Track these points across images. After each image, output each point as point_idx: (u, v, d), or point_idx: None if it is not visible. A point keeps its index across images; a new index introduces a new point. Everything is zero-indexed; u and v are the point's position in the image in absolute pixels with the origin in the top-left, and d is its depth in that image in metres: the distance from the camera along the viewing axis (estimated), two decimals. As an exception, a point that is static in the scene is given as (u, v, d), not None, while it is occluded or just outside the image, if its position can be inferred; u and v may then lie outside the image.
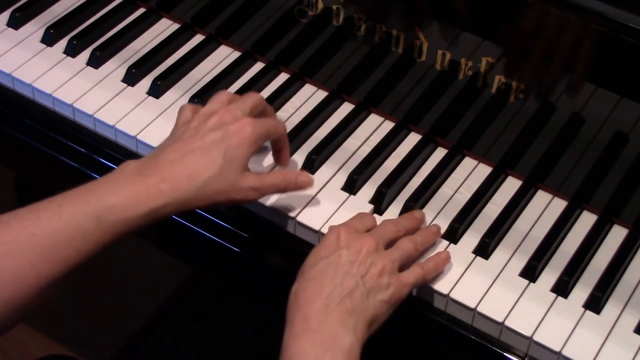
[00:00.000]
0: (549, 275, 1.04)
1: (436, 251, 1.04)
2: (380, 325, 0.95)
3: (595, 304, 1.01)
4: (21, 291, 0.89)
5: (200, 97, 1.19)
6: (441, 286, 1.01)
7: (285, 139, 1.08)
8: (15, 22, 1.28)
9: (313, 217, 1.07)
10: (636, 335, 0.99)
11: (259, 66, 1.26)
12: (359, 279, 0.93)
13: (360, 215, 1.03)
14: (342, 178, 1.12)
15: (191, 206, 0.96)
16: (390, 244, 1.00)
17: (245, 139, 0.98)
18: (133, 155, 1.16)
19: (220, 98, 1.03)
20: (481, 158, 1.15)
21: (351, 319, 0.91)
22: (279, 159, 1.09)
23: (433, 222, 1.08)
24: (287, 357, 0.88)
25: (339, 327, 0.90)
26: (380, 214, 1.09)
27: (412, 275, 0.98)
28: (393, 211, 1.09)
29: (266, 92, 1.22)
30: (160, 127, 1.16)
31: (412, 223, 1.05)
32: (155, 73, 1.23)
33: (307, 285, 0.93)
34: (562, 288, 1.02)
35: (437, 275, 1.02)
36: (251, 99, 1.03)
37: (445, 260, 1.02)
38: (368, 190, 1.11)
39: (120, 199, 0.92)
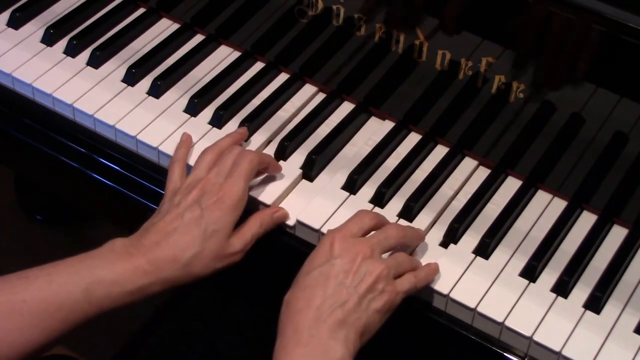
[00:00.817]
0: (549, 275, 1.04)
1: (432, 254, 1.04)
2: (373, 335, 0.94)
3: (595, 304, 1.01)
4: (6, 353, 0.91)
5: (201, 97, 1.19)
6: (441, 286, 1.01)
7: (265, 162, 1.07)
8: (15, 22, 1.28)
9: (313, 217, 1.07)
10: (636, 335, 0.99)
11: (259, 66, 1.26)
12: (351, 290, 0.93)
13: (358, 216, 1.01)
14: (342, 178, 1.12)
15: (178, 284, 0.99)
16: (387, 251, 0.99)
17: (225, 209, 1.00)
18: (133, 156, 1.16)
19: (204, 162, 1.05)
20: (481, 158, 1.15)
21: (342, 330, 0.90)
22: (269, 172, 1.10)
23: (433, 222, 1.08)
24: None
25: (329, 339, 0.89)
26: (380, 214, 1.09)
27: (405, 282, 0.97)
28: (393, 211, 1.09)
29: (266, 92, 1.22)
30: (160, 127, 1.16)
31: (416, 237, 1.04)
32: (155, 73, 1.23)
33: (299, 295, 0.93)
34: (562, 288, 1.02)
35: (437, 275, 1.02)
36: (231, 155, 1.04)
37: (434, 272, 1.01)
38: (368, 190, 1.11)
39: (109, 274, 0.95)
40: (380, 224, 1.02)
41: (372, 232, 1.00)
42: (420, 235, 1.04)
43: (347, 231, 0.98)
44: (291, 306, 0.92)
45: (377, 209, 1.09)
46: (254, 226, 1.03)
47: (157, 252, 0.97)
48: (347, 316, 0.91)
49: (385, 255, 0.99)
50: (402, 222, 1.08)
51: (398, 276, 0.98)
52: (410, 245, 1.03)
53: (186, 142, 1.11)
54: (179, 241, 0.98)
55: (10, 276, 0.95)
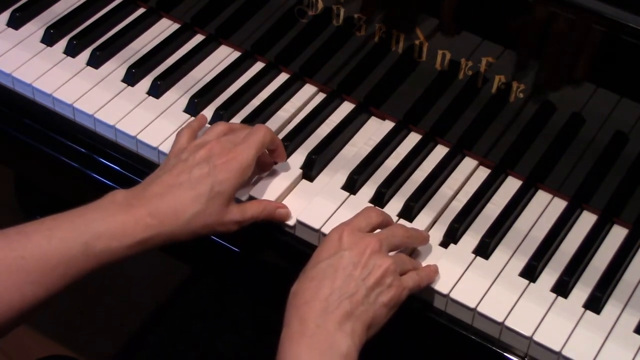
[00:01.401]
0: (549, 275, 1.04)
1: (432, 254, 1.05)
2: (379, 329, 0.94)
3: (595, 304, 1.01)
4: (3, 311, 0.90)
5: (201, 97, 1.19)
6: (441, 286, 1.02)
7: (276, 142, 1.08)
8: (15, 22, 1.28)
9: (313, 217, 1.07)
10: (636, 335, 0.99)
11: (259, 66, 1.26)
12: (359, 282, 0.92)
13: (366, 212, 1.01)
14: (342, 178, 1.12)
15: (177, 239, 0.98)
16: (393, 250, 0.99)
17: (232, 172, 0.99)
18: (133, 155, 1.16)
19: (216, 130, 1.05)
20: (481, 158, 1.15)
21: (349, 322, 0.90)
22: (274, 158, 1.10)
23: (433, 222, 1.08)
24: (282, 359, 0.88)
25: (336, 331, 0.89)
26: (380, 214, 1.09)
27: (410, 279, 0.97)
28: (393, 211, 1.09)
29: (266, 92, 1.22)
30: (160, 127, 1.16)
31: (421, 237, 1.04)
32: (155, 73, 1.23)
33: (307, 286, 0.92)
34: (562, 288, 1.02)
35: (437, 275, 1.02)
36: (244, 129, 1.05)
37: (435, 273, 1.01)
38: (368, 190, 1.11)
39: (109, 227, 0.94)
40: (385, 222, 1.02)
41: (378, 230, 1.00)
42: (424, 237, 1.04)
43: (355, 225, 0.98)
44: (298, 297, 0.92)
45: (377, 209, 1.09)
46: (256, 208, 1.03)
47: (159, 204, 0.96)
48: (355, 308, 0.91)
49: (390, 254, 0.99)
50: (402, 222, 1.08)
51: (402, 274, 0.98)
52: (414, 246, 1.04)
53: (200, 119, 1.10)
54: (184, 196, 0.97)
55: (8, 231, 0.94)
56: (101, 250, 0.93)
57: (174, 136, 1.14)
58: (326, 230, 1.06)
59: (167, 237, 0.97)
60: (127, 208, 0.95)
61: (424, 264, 1.03)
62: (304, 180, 1.13)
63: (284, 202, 1.09)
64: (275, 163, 1.11)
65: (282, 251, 1.09)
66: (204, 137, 1.04)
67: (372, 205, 1.04)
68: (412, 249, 1.05)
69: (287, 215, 1.07)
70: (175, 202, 0.97)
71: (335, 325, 0.89)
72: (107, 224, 0.94)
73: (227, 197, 0.99)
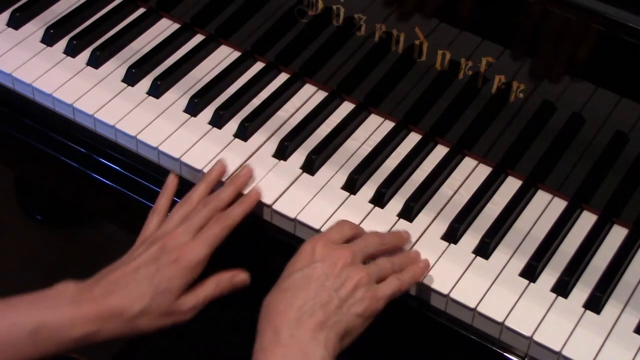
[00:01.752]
0: (549, 275, 1.04)
1: (436, 250, 1.05)
2: (354, 339, 0.94)
3: (595, 304, 1.01)
4: None
5: (201, 97, 1.19)
6: (441, 286, 1.01)
7: (233, 226, 1.04)
8: (15, 22, 1.28)
9: (313, 217, 1.07)
10: (636, 335, 0.99)
11: (259, 66, 1.26)
12: (332, 292, 0.93)
13: (339, 225, 1.02)
14: (342, 178, 1.12)
15: (123, 336, 0.98)
16: (369, 258, 0.99)
17: (182, 269, 0.99)
18: (133, 156, 1.16)
19: (177, 214, 1.04)
20: (481, 158, 1.15)
21: (322, 332, 0.90)
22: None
23: (433, 222, 1.08)
24: None
25: (309, 341, 0.89)
26: (380, 214, 1.09)
27: (388, 288, 0.97)
28: (393, 211, 1.09)
29: (266, 92, 1.22)
30: (160, 127, 1.16)
31: (398, 241, 1.04)
32: (155, 73, 1.23)
33: (280, 297, 0.93)
34: (562, 288, 1.02)
35: (437, 275, 1.02)
36: (205, 210, 1.03)
37: (423, 270, 1.01)
38: (368, 190, 1.11)
39: (57, 318, 0.95)
40: (359, 234, 1.02)
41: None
42: (402, 239, 1.04)
43: (329, 238, 0.99)
44: (271, 308, 0.92)
45: (377, 209, 1.09)
46: (209, 288, 1.02)
47: (106, 303, 0.97)
48: (328, 318, 0.91)
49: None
50: (402, 222, 1.08)
51: (381, 279, 0.98)
52: (393, 250, 1.03)
53: (168, 190, 1.10)
54: (129, 294, 0.97)
55: None
56: (47, 339, 0.95)
57: (174, 136, 1.15)
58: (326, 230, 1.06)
59: (111, 334, 0.98)
60: (76, 304, 0.97)
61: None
62: (304, 178, 1.12)
63: (284, 201, 1.09)
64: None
65: (281, 251, 1.09)
66: (164, 225, 1.04)
67: (345, 219, 1.04)
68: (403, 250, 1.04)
69: (245, 280, 1.04)
70: (121, 300, 0.97)
71: (309, 335, 0.90)
72: (55, 315, 0.95)
73: (174, 293, 0.99)
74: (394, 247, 1.03)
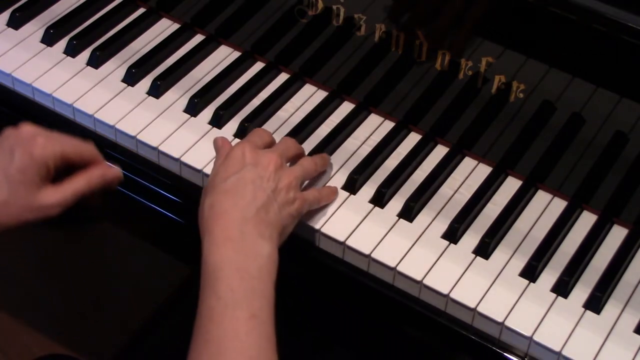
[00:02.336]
0: (549, 275, 1.04)
1: (436, 250, 1.05)
2: (286, 237, 1.00)
3: (595, 304, 1.01)
4: None
5: (201, 97, 1.19)
6: (441, 286, 1.02)
7: (89, 158, 1.05)
8: (15, 22, 1.28)
9: (313, 217, 1.07)
10: (636, 335, 0.99)
11: (259, 66, 1.26)
12: (270, 193, 0.98)
13: (257, 132, 1.08)
14: (342, 178, 1.12)
15: None
16: (290, 160, 1.06)
17: (35, 160, 0.99)
18: (133, 155, 1.16)
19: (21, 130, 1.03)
20: (481, 158, 1.15)
21: (267, 229, 0.96)
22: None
23: (433, 222, 1.08)
24: (210, 266, 0.92)
25: (257, 236, 0.94)
26: (380, 214, 1.09)
27: (310, 194, 1.04)
28: (393, 211, 1.09)
29: (266, 92, 1.22)
30: (160, 127, 1.16)
31: (323, 157, 1.11)
32: (155, 73, 1.23)
33: (222, 198, 0.96)
34: (562, 288, 1.02)
35: (437, 275, 1.02)
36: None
37: (334, 193, 1.09)
38: (368, 190, 1.11)
39: None
40: (274, 140, 1.08)
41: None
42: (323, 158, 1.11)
43: (253, 143, 1.04)
44: (216, 208, 0.96)
45: (377, 209, 1.09)
46: (79, 182, 1.02)
47: None
48: (271, 217, 0.97)
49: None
50: (402, 222, 1.08)
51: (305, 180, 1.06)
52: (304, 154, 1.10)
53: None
54: None
55: None
56: None
57: (174, 136, 1.15)
58: (326, 230, 1.06)
59: None
60: None
61: (423, 261, 1.03)
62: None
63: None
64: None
65: (280, 250, 1.09)
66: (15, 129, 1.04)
67: (259, 128, 1.10)
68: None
69: (119, 177, 1.06)
70: None
71: (256, 232, 0.95)
72: None
73: (32, 185, 0.99)
74: (301, 151, 1.10)
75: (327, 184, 1.11)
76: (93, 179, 1.04)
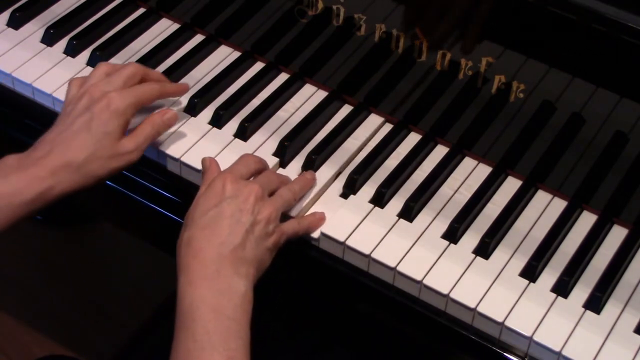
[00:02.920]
0: (549, 275, 1.04)
1: (436, 250, 1.05)
2: (264, 271, 0.99)
3: (595, 304, 1.01)
4: None
5: (200, 97, 1.19)
6: (441, 286, 1.01)
7: (167, 94, 1.14)
8: (15, 22, 1.28)
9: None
10: (636, 335, 0.99)
11: (259, 66, 1.26)
12: (248, 227, 0.97)
13: (244, 159, 1.07)
14: (342, 178, 1.12)
15: (79, 186, 1.03)
16: (271, 193, 1.04)
17: (113, 112, 1.05)
18: (133, 155, 1.16)
19: (96, 72, 1.10)
20: (481, 158, 1.15)
21: (243, 266, 0.95)
22: (166, 92, 1.15)
23: (433, 222, 1.08)
24: (186, 305, 0.92)
25: (233, 274, 0.94)
26: (380, 214, 1.09)
27: (290, 226, 1.03)
28: (393, 211, 1.09)
29: (266, 92, 1.22)
30: (160, 127, 1.16)
31: (301, 182, 1.09)
32: (155, 73, 1.23)
33: (199, 234, 0.96)
34: (562, 288, 1.02)
35: (437, 275, 1.02)
36: (125, 71, 1.10)
37: (320, 221, 1.07)
38: (368, 190, 1.11)
39: (7, 187, 0.99)
40: (263, 167, 1.08)
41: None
42: (306, 179, 1.09)
43: (237, 173, 1.03)
44: (193, 244, 0.96)
45: (377, 209, 1.09)
46: (146, 128, 1.08)
47: (49, 160, 1.01)
48: (246, 254, 0.96)
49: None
50: (402, 222, 1.08)
51: (285, 212, 1.05)
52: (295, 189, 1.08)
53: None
54: (70, 146, 1.02)
55: None
56: (3, 207, 0.98)
57: (173, 136, 1.15)
58: (326, 230, 1.06)
59: (66, 186, 1.02)
60: (20, 169, 1.01)
61: (423, 261, 1.03)
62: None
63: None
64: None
65: (280, 250, 1.09)
66: (87, 81, 1.09)
67: (249, 153, 1.09)
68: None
69: (174, 117, 1.11)
70: (63, 155, 1.02)
71: (232, 269, 0.94)
72: (5, 184, 0.99)
73: (114, 135, 1.04)
74: (288, 180, 1.09)
75: (326, 185, 1.11)
76: (156, 123, 1.09)
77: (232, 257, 0.95)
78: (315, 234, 1.06)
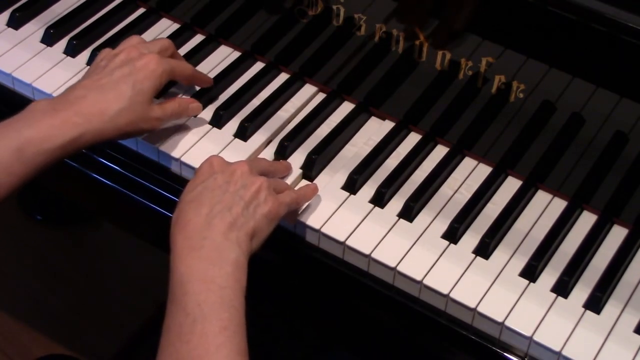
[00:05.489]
0: (549, 275, 1.04)
1: (436, 250, 1.05)
2: (262, 241, 0.98)
3: (595, 304, 1.01)
4: None
5: (200, 97, 1.19)
6: (441, 286, 1.02)
7: (195, 79, 1.16)
8: (15, 22, 1.28)
9: (313, 217, 1.07)
10: (636, 335, 0.99)
11: (259, 66, 1.26)
12: (236, 196, 0.96)
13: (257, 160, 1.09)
14: (342, 178, 1.12)
15: (105, 136, 1.02)
16: (260, 173, 1.04)
17: (151, 72, 1.05)
18: (132, 154, 1.16)
19: (130, 41, 1.11)
20: (481, 158, 1.15)
21: (233, 232, 0.93)
22: (191, 80, 1.16)
23: (433, 222, 1.08)
24: (177, 278, 0.91)
25: (222, 241, 0.92)
26: (380, 214, 1.09)
27: (287, 196, 1.02)
28: (393, 211, 1.09)
29: (266, 92, 1.22)
30: (160, 128, 1.16)
31: (282, 168, 1.10)
32: (155, 73, 1.23)
33: (187, 208, 0.96)
34: (562, 288, 1.02)
35: (437, 275, 1.02)
36: (160, 42, 1.12)
37: (313, 192, 1.07)
38: (368, 190, 1.11)
39: (38, 132, 0.98)
40: (270, 168, 1.09)
41: None
42: (285, 167, 1.11)
43: (222, 157, 1.03)
44: (180, 220, 0.95)
45: (377, 209, 1.09)
46: (174, 104, 1.10)
47: (84, 104, 1.01)
48: (236, 219, 0.95)
49: None
50: (402, 222, 1.08)
51: (278, 192, 1.02)
52: (279, 174, 1.09)
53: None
54: (108, 95, 1.02)
55: None
56: (34, 153, 0.97)
57: (174, 136, 1.15)
58: (326, 230, 1.06)
59: (95, 134, 1.01)
60: (52, 112, 1.00)
61: (423, 261, 1.03)
62: (304, 181, 1.13)
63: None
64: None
65: (281, 249, 1.09)
66: (120, 46, 1.10)
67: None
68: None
69: (198, 109, 1.15)
70: (99, 101, 1.02)
71: (220, 236, 0.92)
72: (36, 129, 0.98)
73: (148, 95, 1.05)
74: (280, 171, 1.10)
75: (327, 185, 1.11)
76: (183, 105, 1.12)
77: (220, 224, 0.93)
78: (315, 234, 1.06)
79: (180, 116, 1.12)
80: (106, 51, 1.10)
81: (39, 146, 0.97)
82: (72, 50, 1.25)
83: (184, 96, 1.18)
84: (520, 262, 1.05)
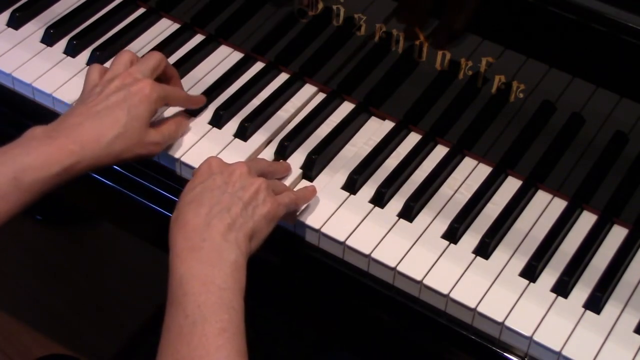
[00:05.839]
0: (549, 275, 1.04)
1: (436, 250, 1.05)
2: (261, 242, 0.98)
3: (595, 304, 1.01)
4: None
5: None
6: (441, 286, 1.02)
7: (188, 103, 1.15)
8: (15, 22, 1.28)
9: (313, 217, 1.07)
10: (636, 335, 0.99)
11: (259, 66, 1.26)
12: (235, 197, 0.97)
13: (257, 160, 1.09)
14: (342, 178, 1.12)
15: (102, 163, 1.02)
16: (259, 174, 1.04)
17: (146, 97, 1.05)
18: (133, 155, 1.16)
19: (122, 59, 1.10)
20: (481, 158, 1.15)
21: (232, 233, 0.94)
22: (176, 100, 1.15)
23: (433, 222, 1.08)
24: (176, 279, 0.91)
25: (221, 242, 0.92)
26: (380, 214, 1.09)
27: (285, 197, 1.02)
28: (393, 211, 1.09)
29: (266, 92, 1.22)
30: (160, 127, 1.16)
31: (282, 169, 1.10)
32: (155, 73, 1.23)
33: (186, 209, 0.96)
34: (562, 288, 1.02)
35: (437, 275, 1.02)
36: (152, 60, 1.10)
37: (312, 193, 1.07)
38: (368, 190, 1.11)
39: (35, 159, 0.98)
40: (269, 168, 1.09)
41: None
42: (285, 168, 1.11)
43: (220, 158, 1.03)
44: (179, 220, 0.95)
45: (377, 209, 1.09)
46: (172, 125, 1.11)
47: (80, 132, 1.01)
48: (235, 220, 0.95)
49: None
50: (402, 222, 1.08)
51: (277, 194, 1.02)
52: (279, 175, 1.10)
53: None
54: (103, 121, 1.02)
55: None
56: (30, 181, 0.97)
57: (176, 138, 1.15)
58: (326, 230, 1.06)
59: (91, 161, 1.01)
60: (48, 140, 1.00)
61: (423, 261, 1.03)
62: (304, 181, 1.13)
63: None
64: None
65: (281, 250, 1.09)
66: (113, 70, 1.09)
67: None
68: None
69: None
70: (95, 128, 1.02)
71: (219, 237, 0.93)
72: (32, 157, 0.98)
73: (144, 120, 1.05)
74: (280, 172, 1.10)
75: (327, 185, 1.11)
76: (182, 124, 1.13)
77: (219, 225, 0.93)
78: (315, 234, 1.06)
79: (178, 137, 1.13)
80: (100, 70, 1.09)
81: (36, 174, 0.97)
82: (72, 50, 1.25)
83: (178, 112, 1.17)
84: (520, 262, 1.05)
